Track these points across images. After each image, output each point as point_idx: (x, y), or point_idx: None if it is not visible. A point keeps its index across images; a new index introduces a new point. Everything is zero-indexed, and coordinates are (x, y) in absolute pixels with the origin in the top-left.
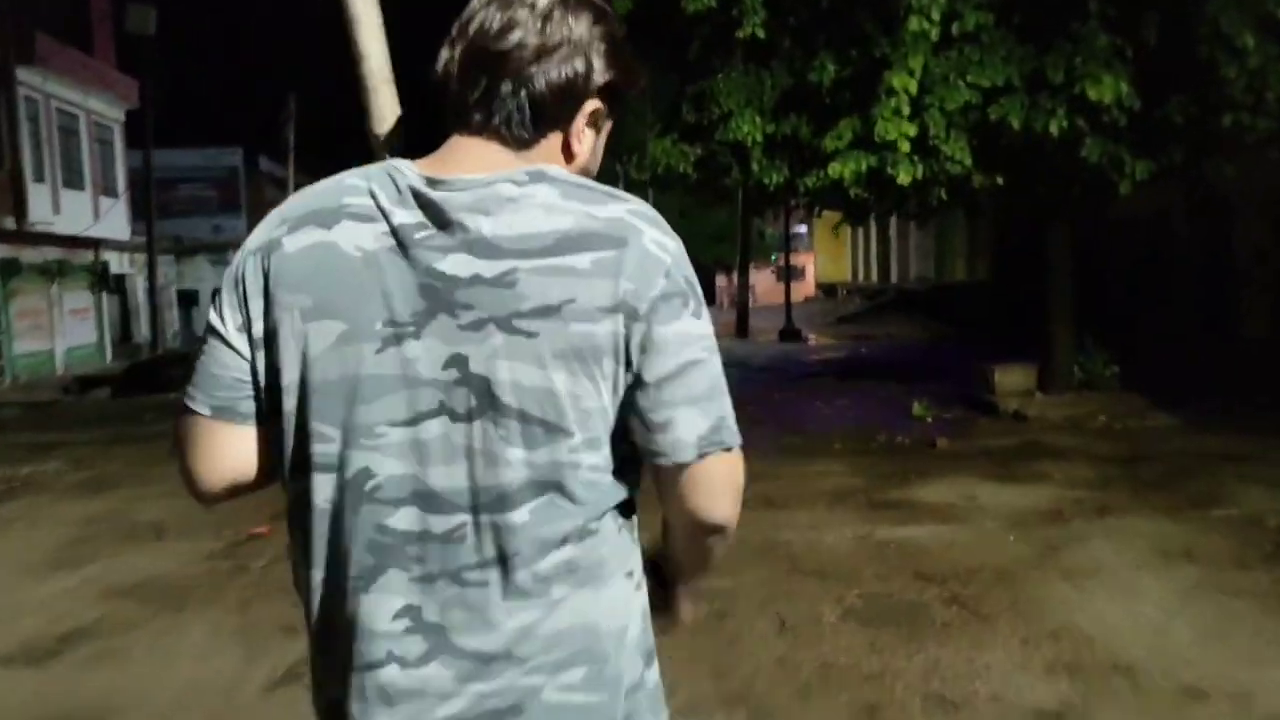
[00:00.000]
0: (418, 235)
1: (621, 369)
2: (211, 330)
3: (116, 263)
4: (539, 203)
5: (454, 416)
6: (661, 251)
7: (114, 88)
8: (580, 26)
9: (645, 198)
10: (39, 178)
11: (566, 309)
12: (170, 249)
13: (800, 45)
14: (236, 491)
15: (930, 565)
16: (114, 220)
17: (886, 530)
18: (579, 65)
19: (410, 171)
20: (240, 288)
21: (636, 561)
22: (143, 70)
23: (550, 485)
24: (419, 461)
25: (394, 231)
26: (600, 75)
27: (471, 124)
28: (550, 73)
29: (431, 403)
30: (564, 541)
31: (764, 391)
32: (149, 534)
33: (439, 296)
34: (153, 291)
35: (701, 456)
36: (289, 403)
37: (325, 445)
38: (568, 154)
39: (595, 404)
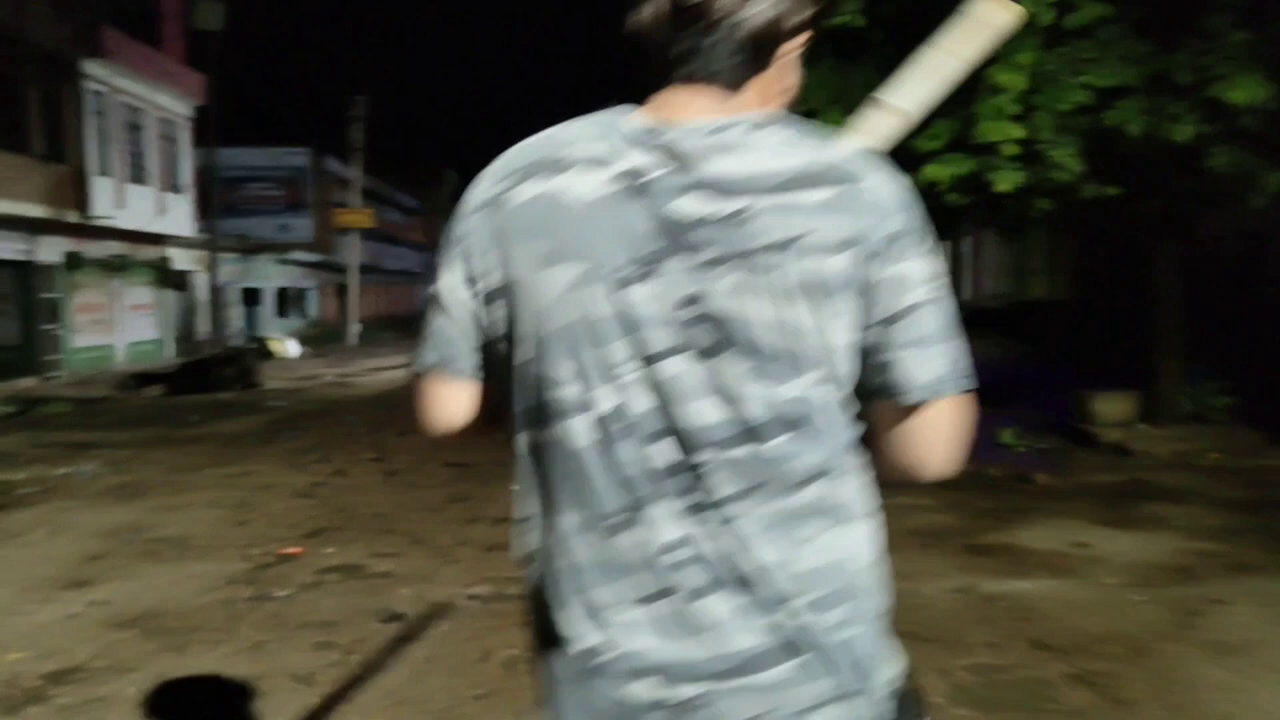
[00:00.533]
0: (650, 178)
1: (857, 305)
2: (435, 292)
3: (180, 259)
4: (771, 143)
5: (694, 353)
6: (893, 190)
7: (181, 83)
8: None
9: None
10: (104, 172)
11: (800, 243)
12: (235, 247)
13: (895, 37)
14: (457, 434)
15: (1048, 631)
16: (178, 217)
17: (991, 583)
18: (777, 6)
19: (638, 118)
20: (465, 245)
21: (873, 498)
22: (210, 66)
23: (793, 421)
24: (665, 399)
25: (625, 174)
26: (806, 7)
27: (683, 74)
28: (763, 13)
29: (671, 340)
30: (812, 478)
31: None
32: (171, 551)
33: (674, 236)
34: (213, 287)
35: (930, 399)
36: (526, 350)
37: (569, 388)
38: (777, 91)
39: (832, 340)
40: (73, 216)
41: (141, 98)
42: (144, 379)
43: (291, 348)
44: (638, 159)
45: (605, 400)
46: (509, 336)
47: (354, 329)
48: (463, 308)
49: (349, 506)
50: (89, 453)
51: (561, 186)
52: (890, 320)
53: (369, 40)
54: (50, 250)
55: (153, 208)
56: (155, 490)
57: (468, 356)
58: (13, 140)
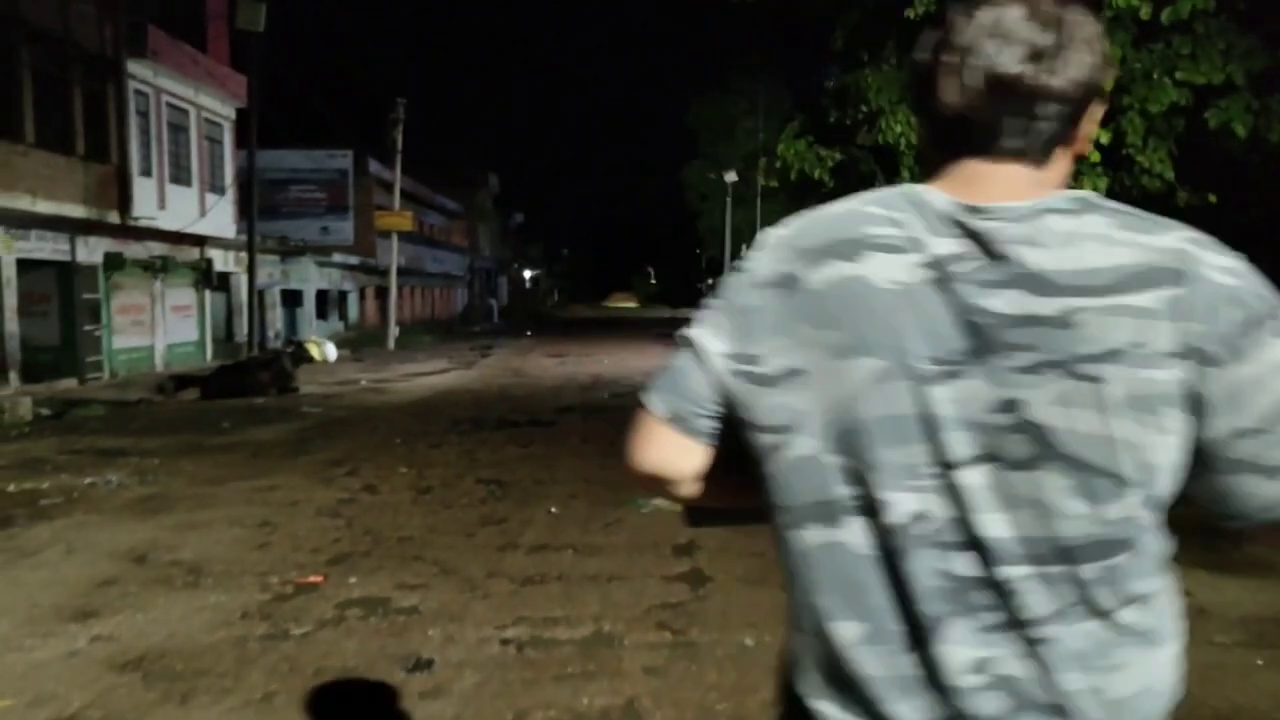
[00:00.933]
0: (961, 268)
1: (1191, 420)
2: (693, 345)
3: (221, 261)
4: (1092, 234)
5: (1005, 464)
6: (1229, 278)
7: (225, 85)
8: (1086, 26)
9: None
10: (145, 172)
11: (1131, 353)
12: (276, 249)
13: None
14: (660, 485)
15: None
16: (220, 218)
17: None
18: (1093, 68)
19: (941, 199)
20: (746, 320)
21: (1181, 621)
22: (250, 67)
23: (1117, 543)
24: (965, 508)
25: (932, 264)
26: (1106, 71)
27: (993, 149)
28: (1072, 83)
29: (977, 447)
30: (1130, 601)
31: None
32: (185, 577)
33: (987, 335)
34: (251, 291)
35: None
36: (807, 444)
37: (859, 487)
38: (1073, 155)
39: (1159, 457)
40: (114, 217)
41: (185, 98)
42: (182, 381)
43: (330, 351)
44: (946, 246)
45: (899, 505)
46: (782, 427)
47: (393, 332)
48: (717, 374)
49: (376, 528)
50: (117, 460)
51: (863, 273)
52: (1266, 422)
53: (411, 43)
54: (91, 251)
55: (195, 209)
56: (178, 504)
57: (705, 419)
58: (56, 140)
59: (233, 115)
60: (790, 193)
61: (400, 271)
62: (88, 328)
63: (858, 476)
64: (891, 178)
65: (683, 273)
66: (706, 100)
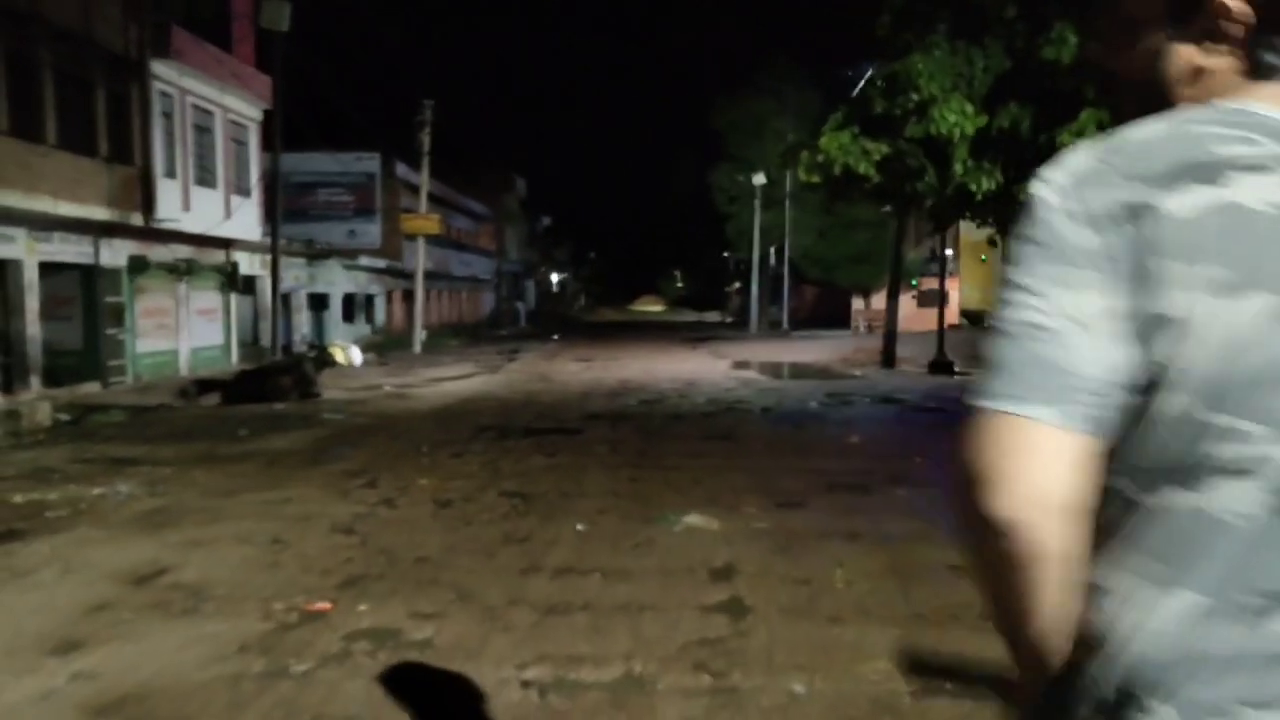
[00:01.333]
0: None
1: None
2: (1040, 313)
3: (247, 264)
4: None
5: None
6: None
7: (251, 86)
8: None
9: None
10: (170, 174)
11: None
12: (302, 252)
13: (1027, 13)
14: (1041, 531)
15: None
16: (246, 220)
17: None
18: None
19: (1265, 110)
20: (1103, 263)
21: None
22: (275, 68)
23: None
24: None
25: None
26: None
27: None
28: None
29: None
30: None
31: (931, 437)
32: (185, 602)
33: None
34: (275, 294)
35: None
36: (1177, 398)
37: (1242, 445)
38: None
39: None
40: (138, 219)
41: (210, 100)
42: (205, 386)
43: (355, 355)
44: None
45: None
46: (1142, 386)
47: (419, 336)
48: (1098, 341)
49: (391, 547)
50: (128, 470)
51: (1235, 197)
52: None
53: (439, 45)
54: (115, 254)
55: (220, 211)
56: (187, 518)
57: (1090, 404)
58: (79, 142)
59: (259, 116)
60: (833, 187)
61: (427, 275)
62: (111, 331)
63: (1237, 432)
64: (943, 171)
65: (709, 276)
66: (734, 101)
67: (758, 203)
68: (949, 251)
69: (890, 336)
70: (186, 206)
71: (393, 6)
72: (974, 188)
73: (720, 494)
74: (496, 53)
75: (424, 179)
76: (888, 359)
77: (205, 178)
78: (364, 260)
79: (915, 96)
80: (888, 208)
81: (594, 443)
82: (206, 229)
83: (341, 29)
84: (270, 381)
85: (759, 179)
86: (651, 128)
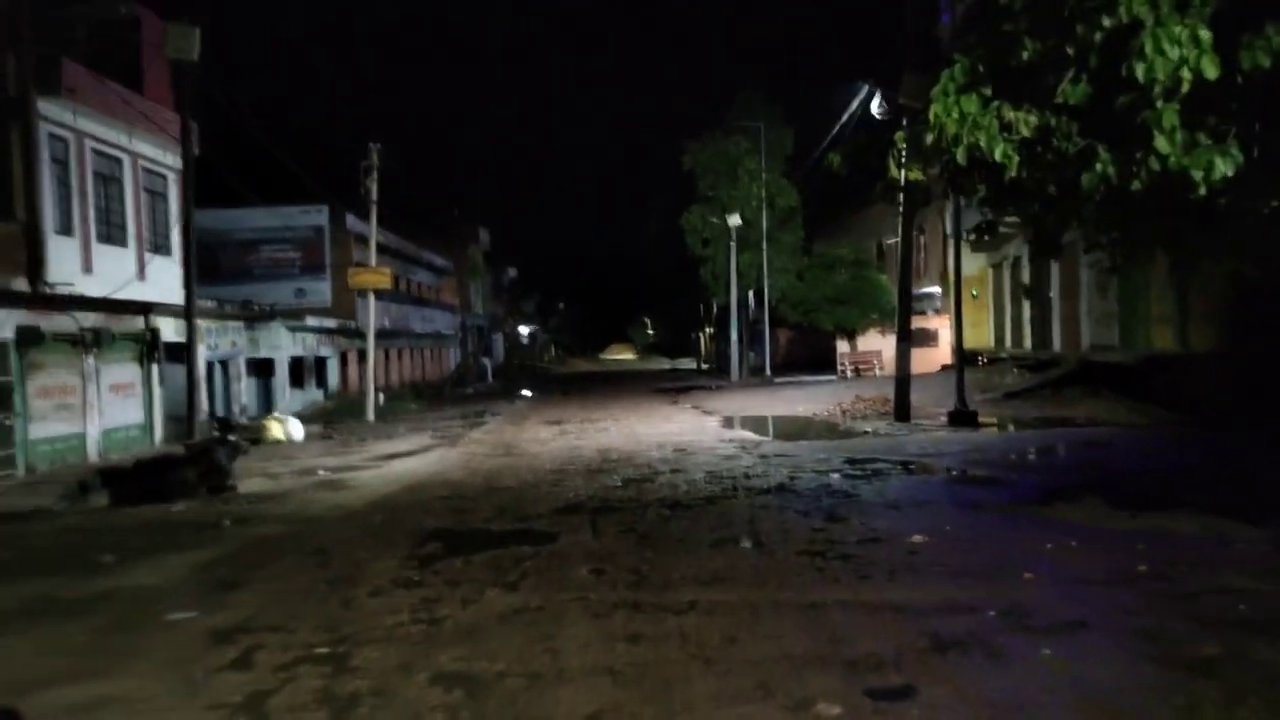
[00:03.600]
0: None
1: None
2: None
3: (174, 330)
4: None
5: None
6: None
7: (167, 129)
8: None
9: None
10: (65, 230)
11: None
12: (239, 314)
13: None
14: None
15: None
16: (168, 281)
17: None
18: None
19: None
20: None
21: None
22: (186, 104)
23: None
24: None
25: None
26: None
27: None
28: None
29: None
30: None
31: (1016, 529)
32: None
33: None
34: (190, 364)
35: None
36: None
37: None
38: None
39: None
40: (22, 284)
41: (116, 145)
42: (110, 477)
43: (294, 429)
44: None
45: None
46: None
47: (372, 402)
48: None
49: None
50: None
51: None
52: None
53: (393, 93)
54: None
55: (131, 271)
56: None
57: None
58: None
59: (179, 165)
60: (953, 178)
61: (384, 333)
62: None
63: None
64: (1141, 146)
65: (681, 322)
66: (705, 141)
67: (734, 244)
68: (936, 289)
69: (903, 385)
70: (88, 267)
71: (342, 51)
72: (1195, 173)
73: (773, 670)
74: (454, 100)
75: (372, 228)
76: (901, 411)
77: (113, 234)
78: (311, 320)
79: (1107, 21)
80: (1012, 218)
81: (572, 559)
82: (113, 291)
83: (285, 75)
84: (173, 474)
85: (734, 220)
86: (618, 172)
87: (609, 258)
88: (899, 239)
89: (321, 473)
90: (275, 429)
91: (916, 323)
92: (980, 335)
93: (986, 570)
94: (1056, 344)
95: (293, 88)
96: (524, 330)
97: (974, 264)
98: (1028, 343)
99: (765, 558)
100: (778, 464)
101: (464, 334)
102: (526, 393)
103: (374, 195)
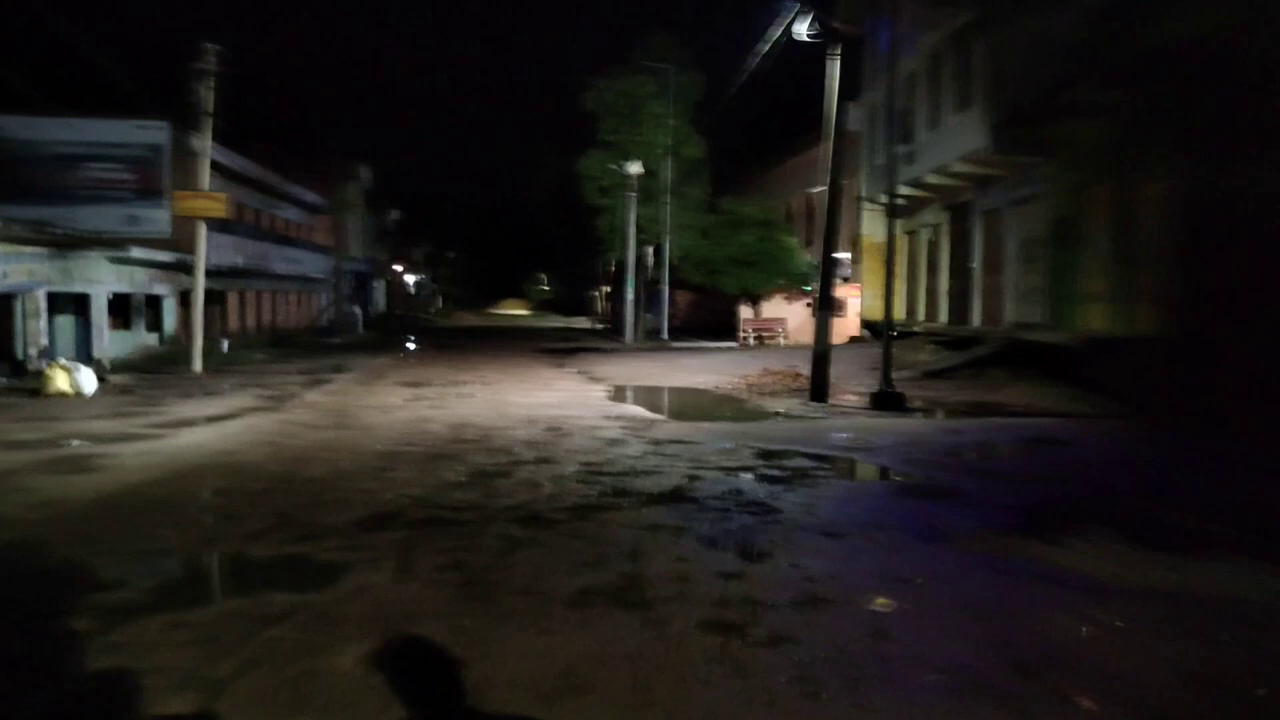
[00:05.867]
0: None
1: None
2: None
3: None
4: None
5: None
6: None
7: None
8: None
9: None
10: None
11: None
12: (38, 238)
13: None
14: None
15: None
16: None
17: None
18: None
19: None
20: None
21: None
22: None
23: None
24: None
25: None
26: None
27: None
28: None
29: None
30: None
31: (1038, 615)
32: None
33: None
34: None
35: None
36: None
37: None
38: None
39: None
40: None
41: None
42: None
43: (84, 381)
44: None
45: None
46: None
47: (199, 349)
48: None
49: None
50: None
51: None
52: None
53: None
54: None
55: None
56: None
57: None
58: None
59: None
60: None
61: (236, 272)
62: None
63: None
64: None
65: (577, 279)
66: (608, 81)
67: (634, 196)
68: (846, 255)
69: (821, 361)
70: None
71: None
72: None
73: None
74: (335, 26)
75: (206, 145)
76: (818, 390)
77: None
78: (138, 252)
79: None
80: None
81: (343, 629)
82: None
83: None
84: None
85: (635, 168)
86: (517, 117)
87: (504, 207)
88: (826, 186)
89: (75, 443)
90: (60, 379)
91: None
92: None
93: (1009, 682)
94: (976, 319)
95: None
96: (411, 279)
97: (885, 231)
98: (943, 316)
99: (651, 635)
100: (674, 455)
101: (338, 279)
102: (411, 346)
103: (208, 106)
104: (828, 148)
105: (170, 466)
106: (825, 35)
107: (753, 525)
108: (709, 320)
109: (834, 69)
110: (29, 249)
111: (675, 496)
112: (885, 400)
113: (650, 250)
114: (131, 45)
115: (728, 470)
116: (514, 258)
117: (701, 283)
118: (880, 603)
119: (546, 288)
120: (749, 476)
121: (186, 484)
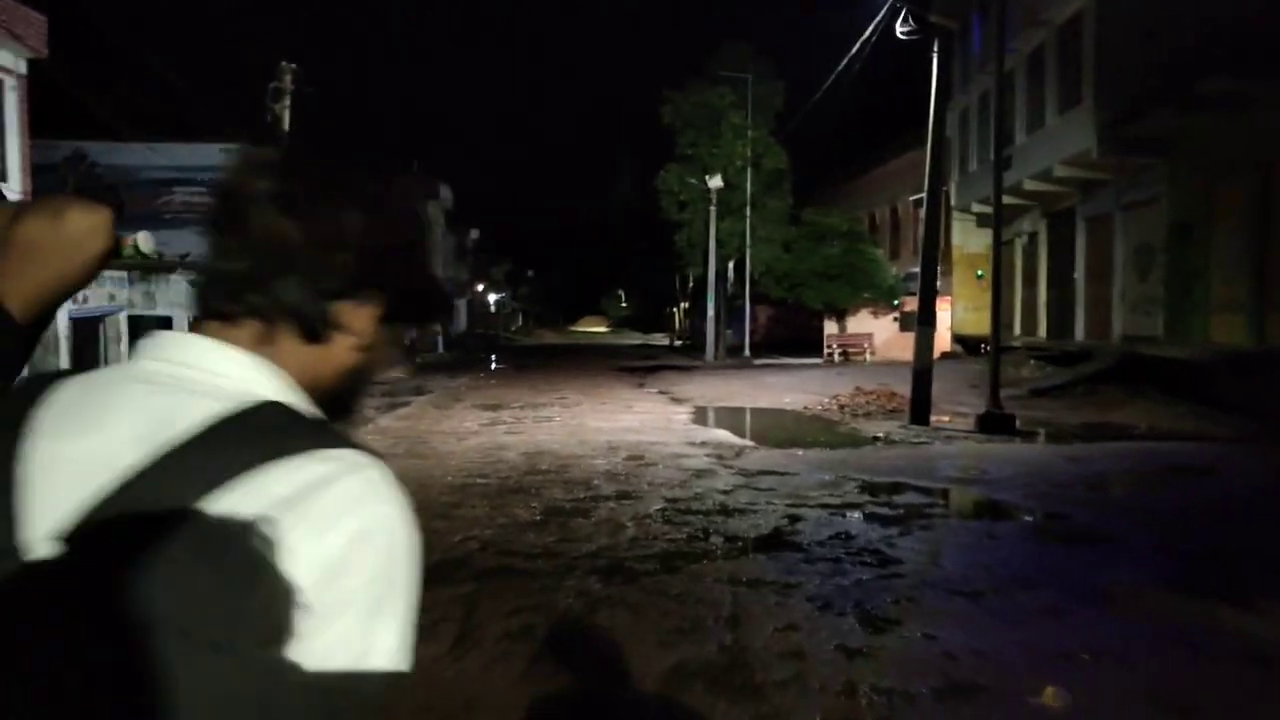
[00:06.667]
0: None
1: None
2: None
3: None
4: None
5: None
6: None
7: (10, 22)
8: None
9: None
10: None
11: None
12: (125, 263)
13: None
14: None
15: None
16: None
17: None
18: None
19: None
20: None
21: None
22: None
23: None
24: None
25: None
26: None
27: None
28: None
29: None
30: None
31: (1198, 659)
32: None
33: None
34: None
35: None
36: None
37: None
38: None
39: None
40: None
41: None
42: None
43: None
44: None
45: None
46: None
47: None
48: None
49: None
50: None
51: None
52: None
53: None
54: None
55: None
56: None
57: None
58: None
59: (20, 69)
60: None
61: None
62: None
63: None
64: None
65: (655, 295)
66: (686, 94)
67: (713, 209)
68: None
69: (923, 378)
70: None
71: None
72: None
73: None
74: (418, 48)
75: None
76: (919, 411)
77: None
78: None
79: None
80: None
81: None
82: None
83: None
84: None
85: (715, 181)
86: (596, 135)
87: (582, 225)
88: (924, 193)
89: None
90: None
91: (914, 304)
92: (985, 320)
93: None
94: (1079, 332)
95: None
96: (492, 298)
97: (980, 240)
98: (1042, 330)
99: None
100: (768, 489)
101: None
102: (493, 366)
103: (287, 125)
104: (931, 149)
105: None
106: (923, 31)
107: (871, 581)
108: (790, 336)
109: (933, 66)
110: (111, 273)
111: (775, 542)
112: (994, 422)
113: (730, 265)
114: (214, 71)
115: (831, 508)
116: (592, 275)
117: (782, 297)
118: (1048, 695)
119: (624, 304)
120: (856, 516)
121: None
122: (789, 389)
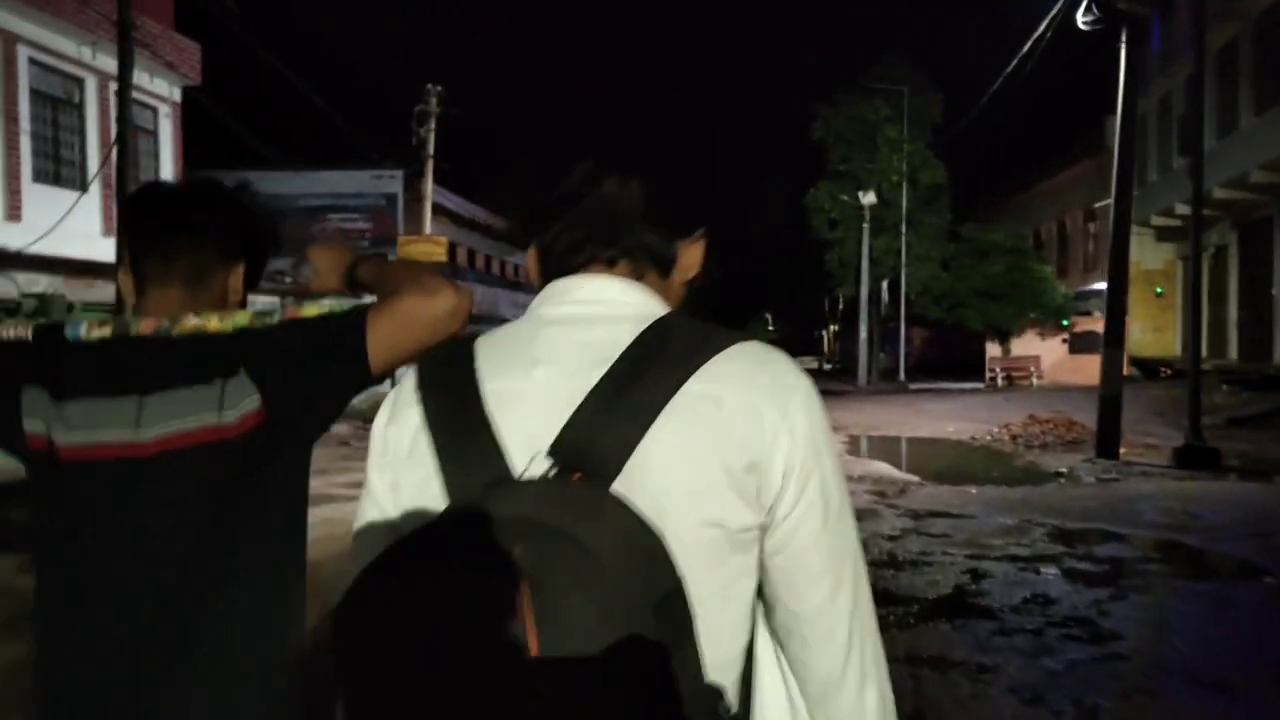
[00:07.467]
0: None
1: None
2: None
3: None
4: None
5: None
6: None
7: (160, 49)
8: None
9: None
10: None
11: None
12: (276, 289)
13: None
14: None
15: None
16: None
17: None
18: None
19: None
20: None
21: None
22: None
23: None
24: None
25: None
26: None
27: None
28: None
29: None
30: None
31: None
32: None
33: None
34: None
35: None
36: None
37: None
38: None
39: None
40: None
41: (72, 59)
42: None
43: None
44: None
45: None
46: None
47: None
48: None
49: None
50: None
51: None
52: None
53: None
54: None
55: (94, 224)
56: None
57: None
58: None
59: (175, 96)
60: None
61: (471, 319)
62: None
63: None
64: None
65: (804, 318)
66: (838, 108)
67: (866, 226)
68: (1102, 284)
69: (1112, 406)
70: (15, 214)
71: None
72: None
73: None
74: (548, 60)
75: (427, 187)
76: (1106, 443)
77: (63, 173)
78: (370, 299)
79: None
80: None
81: None
82: (61, 248)
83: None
84: None
85: (868, 197)
86: (741, 151)
87: (729, 246)
88: (1111, 200)
89: None
90: None
91: (1085, 324)
92: (1165, 342)
93: None
94: (1279, 354)
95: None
96: None
97: (1158, 255)
98: (1233, 352)
99: None
100: (942, 535)
101: None
102: None
103: (431, 149)
104: (1120, 150)
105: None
106: (1109, 20)
107: (1086, 664)
108: (946, 359)
109: (1121, 58)
110: (263, 298)
111: (958, 606)
112: (1195, 456)
113: (884, 284)
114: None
115: (1020, 561)
116: (738, 297)
117: (939, 318)
118: None
119: (771, 328)
120: (1053, 572)
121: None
122: (951, 416)
